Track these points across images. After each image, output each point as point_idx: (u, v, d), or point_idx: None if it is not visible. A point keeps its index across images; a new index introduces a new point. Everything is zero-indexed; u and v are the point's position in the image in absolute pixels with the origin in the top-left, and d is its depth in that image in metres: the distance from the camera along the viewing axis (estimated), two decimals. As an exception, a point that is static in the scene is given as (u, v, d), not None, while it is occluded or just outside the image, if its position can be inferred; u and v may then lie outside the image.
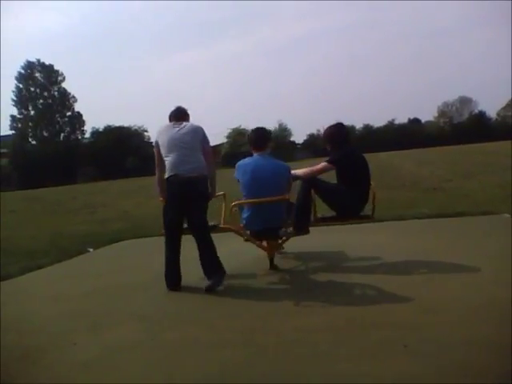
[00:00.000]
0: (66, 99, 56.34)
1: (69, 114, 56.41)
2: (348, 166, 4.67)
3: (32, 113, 55.21)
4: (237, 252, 5.30)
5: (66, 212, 14.05)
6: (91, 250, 7.05)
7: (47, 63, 55.50)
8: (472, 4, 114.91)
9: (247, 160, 4.58)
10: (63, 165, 48.66)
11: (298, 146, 61.05)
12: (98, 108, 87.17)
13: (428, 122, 66.81)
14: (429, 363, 2.48)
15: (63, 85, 56.22)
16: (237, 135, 54.51)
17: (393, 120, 64.70)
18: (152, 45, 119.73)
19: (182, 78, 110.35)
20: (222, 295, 4.14)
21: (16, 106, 54.75)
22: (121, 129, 54.46)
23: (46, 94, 55.67)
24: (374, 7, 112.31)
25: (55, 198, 20.73)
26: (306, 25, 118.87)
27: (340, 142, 4.85)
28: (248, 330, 3.21)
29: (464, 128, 59.24)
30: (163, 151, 4.38)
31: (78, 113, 56.73)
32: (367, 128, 63.58)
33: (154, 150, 4.53)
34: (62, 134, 56.02)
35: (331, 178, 4.83)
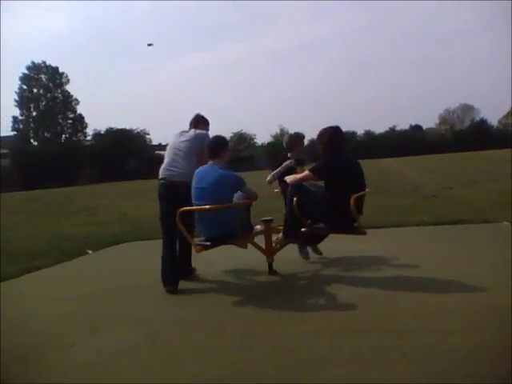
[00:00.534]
0: (69, 101, 56.53)
1: (71, 115, 56.59)
2: (330, 175, 4.49)
3: (34, 114, 55.35)
4: (236, 257, 5.30)
5: (66, 213, 14.05)
6: (91, 251, 7.06)
7: (53, 65, 55.83)
8: (474, 12, 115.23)
9: (200, 168, 4.51)
10: (64, 166, 48.66)
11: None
12: (101, 110, 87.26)
13: (429, 129, 66.83)
14: (426, 370, 2.48)
15: (67, 87, 56.54)
16: (238, 139, 54.62)
17: (394, 126, 64.74)
18: (156, 47, 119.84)
19: (185, 82, 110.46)
20: (221, 300, 4.14)
21: (18, 107, 54.96)
22: (122, 131, 54.52)
23: (49, 95, 55.84)
24: (376, 15, 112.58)
25: (55, 200, 20.74)
26: (310, 30, 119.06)
27: (328, 148, 4.59)
28: (246, 335, 3.21)
29: (465, 135, 59.23)
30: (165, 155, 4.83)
31: (80, 115, 56.93)
32: (368, 134, 63.62)
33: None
34: (64, 136, 56.17)
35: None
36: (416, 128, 66.40)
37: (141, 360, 2.96)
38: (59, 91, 56.35)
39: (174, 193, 4.49)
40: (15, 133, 54.29)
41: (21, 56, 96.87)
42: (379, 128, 67.30)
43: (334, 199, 4.33)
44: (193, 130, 4.86)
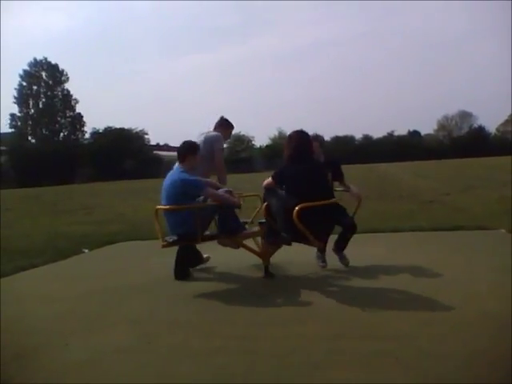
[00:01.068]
0: (68, 100, 56.45)
1: (70, 114, 56.49)
2: (284, 183, 4.57)
3: (32, 111, 55.23)
4: (234, 258, 5.30)
5: (63, 212, 14.02)
6: (86, 250, 7.04)
7: (53, 63, 55.74)
8: (473, 19, 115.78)
9: (171, 171, 4.83)
10: (61, 164, 48.57)
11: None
12: (100, 109, 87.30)
13: (427, 135, 67.11)
14: (419, 375, 2.48)
15: (66, 85, 56.47)
16: (236, 141, 54.60)
17: (392, 132, 65.00)
18: (156, 48, 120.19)
19: (185, 83, 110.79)
20: (218, 301, 4.13)
21: (17, 104, 54.85)
22: (121, 131, 54.45)
23: (49, 93, 55.74)
24: (377, 21, 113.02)
25: (52, 198, 20.69)
26: (310, 34, 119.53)
27: (293, 153, 4.59)
28: (242, 337, 3.20)
29: (463, 142, 59.48)
30: None
31: (79, 114, 56.85)
32: (367, 138, 63.81)
33: None
34: (62, 134, 56.06)
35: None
36: (414, 134, 66.68)
37: (135, 361, 2.94)
38: (59, 89, 56.27)
39: None
40: (13, 130, 54.18)
41: (19, 55, 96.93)
42: (377, 133, 67.76)
43: (283, 208, 4.35)
44: (206, 132, 5.15)
